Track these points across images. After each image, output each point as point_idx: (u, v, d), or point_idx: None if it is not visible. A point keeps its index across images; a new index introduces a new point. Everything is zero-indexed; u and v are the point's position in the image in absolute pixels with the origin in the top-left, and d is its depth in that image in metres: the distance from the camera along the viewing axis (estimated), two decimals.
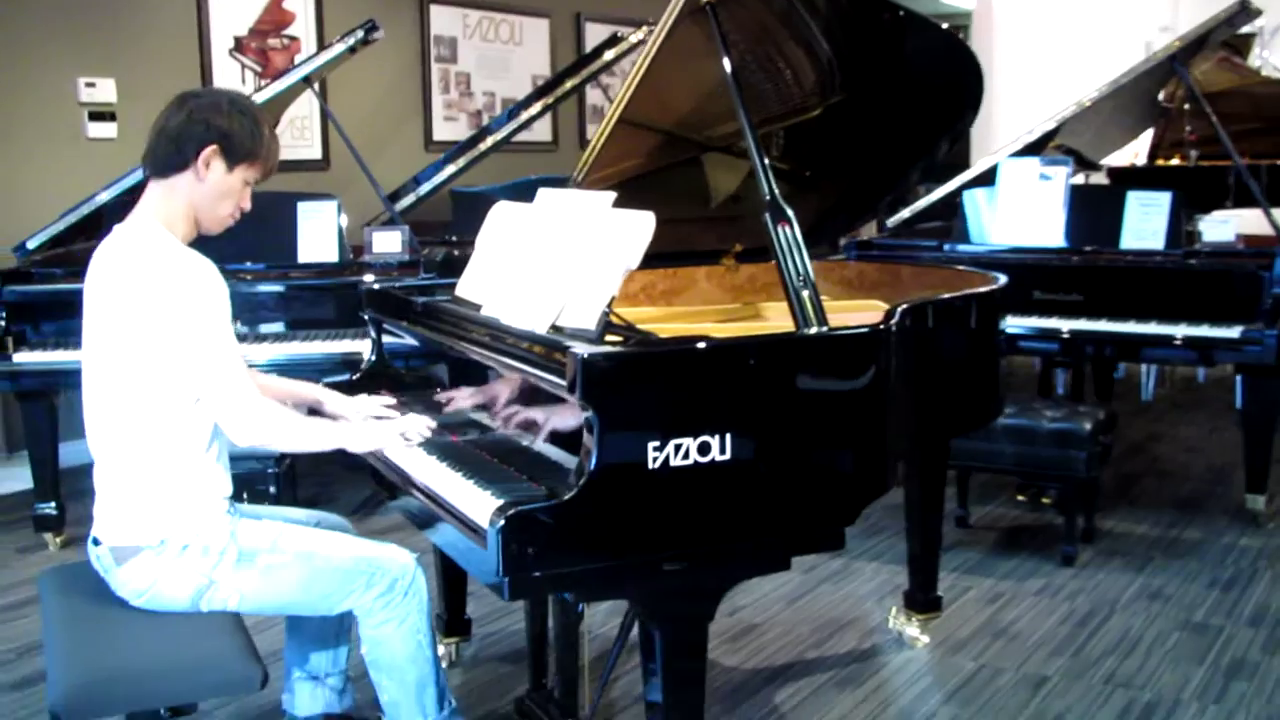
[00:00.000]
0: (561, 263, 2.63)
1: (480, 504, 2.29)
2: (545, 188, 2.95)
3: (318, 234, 4.88)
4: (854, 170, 3.84)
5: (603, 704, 3.19)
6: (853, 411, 2.44)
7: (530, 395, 2.65)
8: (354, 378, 3.26)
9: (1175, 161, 7.97)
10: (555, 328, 2.55)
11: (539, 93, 6.10)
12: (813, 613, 3.96)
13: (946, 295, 3.00)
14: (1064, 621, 3.87)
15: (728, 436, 2.29)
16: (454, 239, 5.59)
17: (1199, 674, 3.48)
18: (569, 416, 2.46)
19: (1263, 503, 4.81)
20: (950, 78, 3.51)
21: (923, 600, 3.71)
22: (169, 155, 2.52)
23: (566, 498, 2.18)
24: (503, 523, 2.13)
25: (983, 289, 3.18)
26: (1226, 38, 6.31)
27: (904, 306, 2.70)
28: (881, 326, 2.50)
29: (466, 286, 3.03)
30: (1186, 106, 7.80)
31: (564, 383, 2.24)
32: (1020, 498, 4.67)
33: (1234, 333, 4.47)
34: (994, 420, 3.40)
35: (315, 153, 6.91)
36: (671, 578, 2.32)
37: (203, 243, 2.60)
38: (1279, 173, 7.91)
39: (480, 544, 2.21)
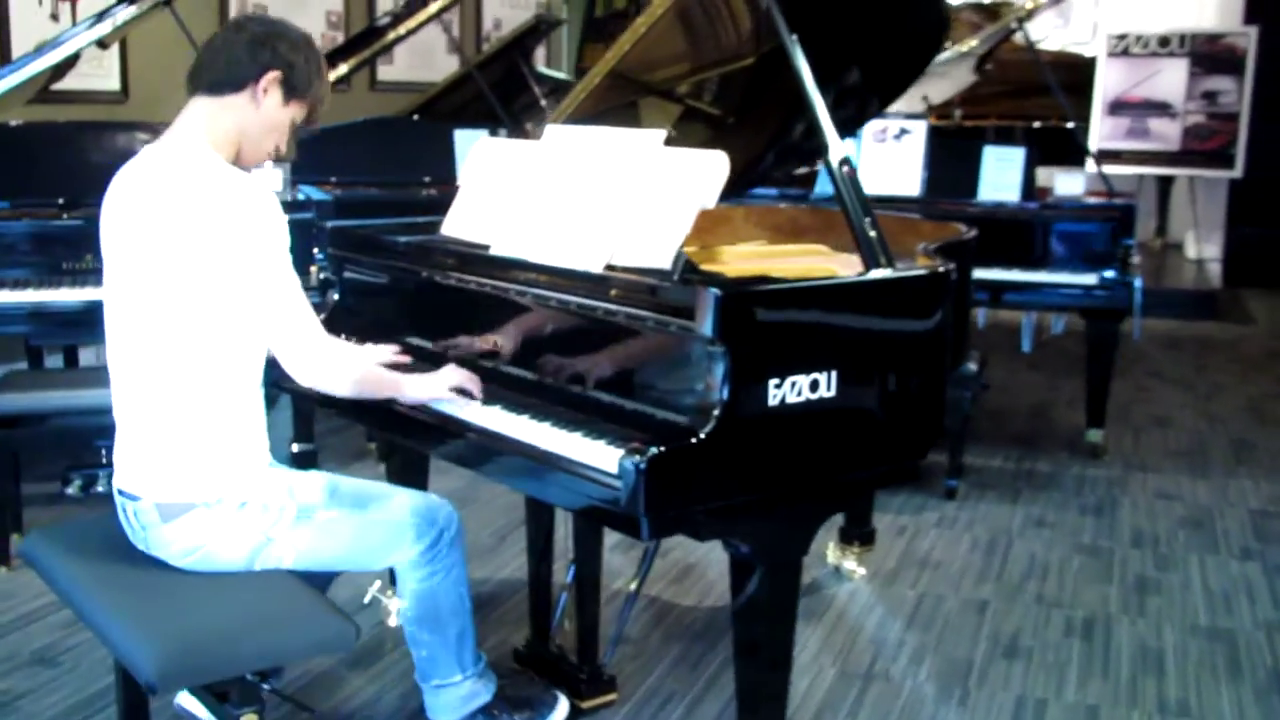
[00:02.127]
0: (613, 201, 2.59)
1: (596, 452, 2.26)
2: (552, 125, 2.90)
3: None
4: (783, 117, 3.92)
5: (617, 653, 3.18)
6: (928, 349, 2.54)
7: (568, 339, 2.58)
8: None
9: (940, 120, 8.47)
10: (610, 267, 2.52)
11: None
12: None
13: (956, 239, 3.13)
14: (973, 550, 4.12)
15: (834, 373, 2.34)
16: None
17: (1113, 592, 3.79)
18: (614, 359, 2.44)
19: (1101, 436, 5.23)
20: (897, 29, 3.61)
21: (858, 534, 3.87)
22: (230, 71, 2.37)
23: (703, 435, 2.18)
24: (645, 465, 2.11)
25: (968, 235, 3.33)
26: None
27: (937, 248, 2.81)
28: (942, 269, 2.59)
29: (465, 227, 2.94)
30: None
31: (682, 322, 2.25)
32: None
33: (1090, 279, 4.83)
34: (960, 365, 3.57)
35: (113, 83, 6.43)
36: (781, 513, 2.36)
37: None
38: (1037, 132, 8.55)
39: (609, 489, 2.18)
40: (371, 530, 2.48)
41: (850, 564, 3.86)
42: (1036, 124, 8.52)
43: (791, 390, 2.29)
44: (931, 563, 3.99)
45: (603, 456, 2.25)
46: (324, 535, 2.44)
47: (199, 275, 2.27)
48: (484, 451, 2.51)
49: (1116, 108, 9.53)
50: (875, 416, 2.44)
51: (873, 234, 2.59)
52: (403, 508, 2.52)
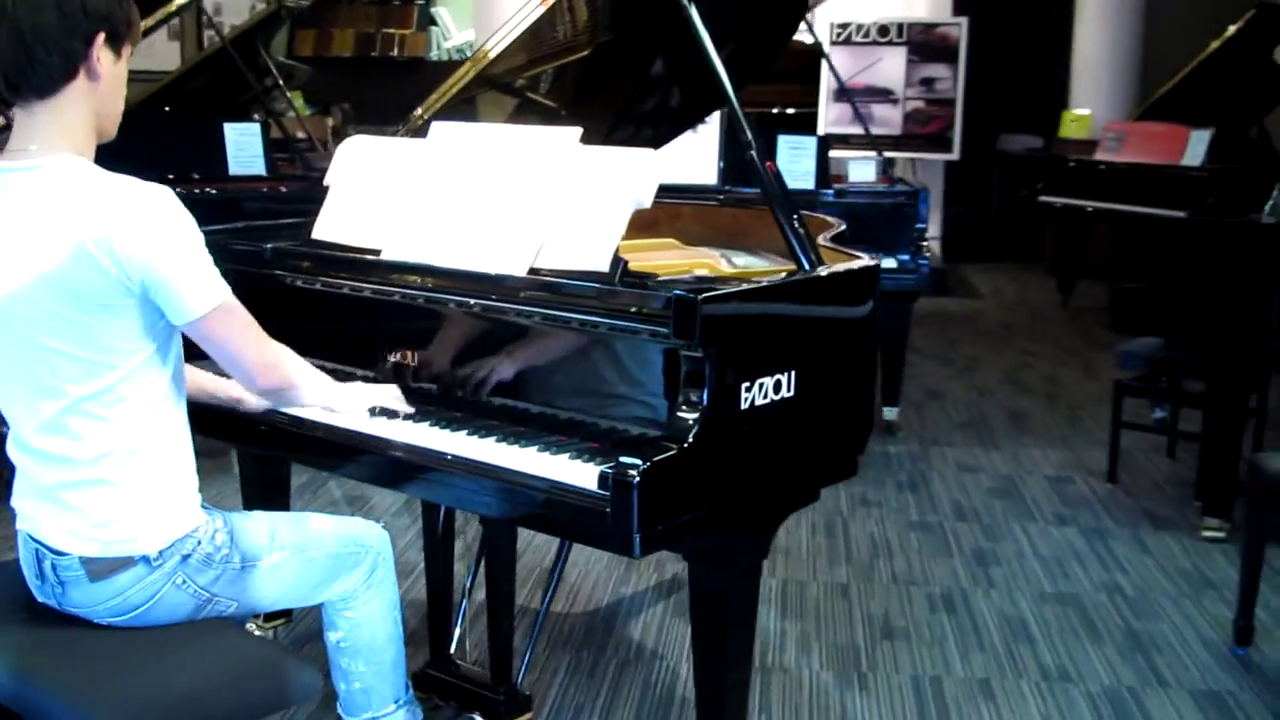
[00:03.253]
0: (535, 201, 2.47)
1: (569, 469, 2.15)
2: (438, 122, 2.75)
3: None
4: (618, 108, 3.87)
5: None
6: (867, 340, 2.54)
7: (482, 347, 2.46)
8: None
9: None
10: (534, 271, 2.42)
11: None
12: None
13: (841, 232, 3.14)
14: (814, 533, 4.19)
15: (793, 372, 2.31)
16: None
17: (959, 566, 3.93)
18: (562, 369, 2.34)
19: (897, 414, 5.43)
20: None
21: None
22: (50, 64, 1.98)
23: (689, 443, 2.11)
24: (640, 478, 2.03)
25: (841, 228, 3.36)
26: None
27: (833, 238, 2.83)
28: (873, 261, 2.60)
29: (346, 231, 2.75)
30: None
31: (655, 328, 2.17)
32: None
33: (891, 263, 5.00)
34: None
35: None
36: (753, 516, 2.33)
37: None
38: (775, 118, 8.78)
39: (587, 506, 2.08)
40: (313, 568, 2.28)
41: None
42: (775, 110, 8.78)
43: (759, 392, 2.24)
44: (780, 548, 4.02)
45: (576, 473, 2.14)
46: (268, 581, 2.22)
47: (118, 299, 1.98)
48: (419, 472, 2.35)
49: (841, 94, 9.92)
50: (827, 411, 2.43)
51: (800, 230, 2.56)
52: (340, 539, 2.32)
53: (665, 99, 3.89)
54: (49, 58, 1.98)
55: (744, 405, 2.22)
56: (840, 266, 2.52)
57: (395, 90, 10.83)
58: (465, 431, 2.34)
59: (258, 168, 5.43)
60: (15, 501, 2.15)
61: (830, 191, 5.14)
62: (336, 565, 2.30)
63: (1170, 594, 3.73)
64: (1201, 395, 4.49)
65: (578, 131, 2.54)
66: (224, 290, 2.06)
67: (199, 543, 2.13)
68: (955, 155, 9.78)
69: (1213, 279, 4.04)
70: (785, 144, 5.21)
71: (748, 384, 2.22)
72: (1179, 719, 3.01)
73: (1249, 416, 4.31)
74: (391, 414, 2.41)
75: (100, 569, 2.06)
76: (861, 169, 5.23)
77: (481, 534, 2.87)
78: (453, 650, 2.95)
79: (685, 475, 2.11)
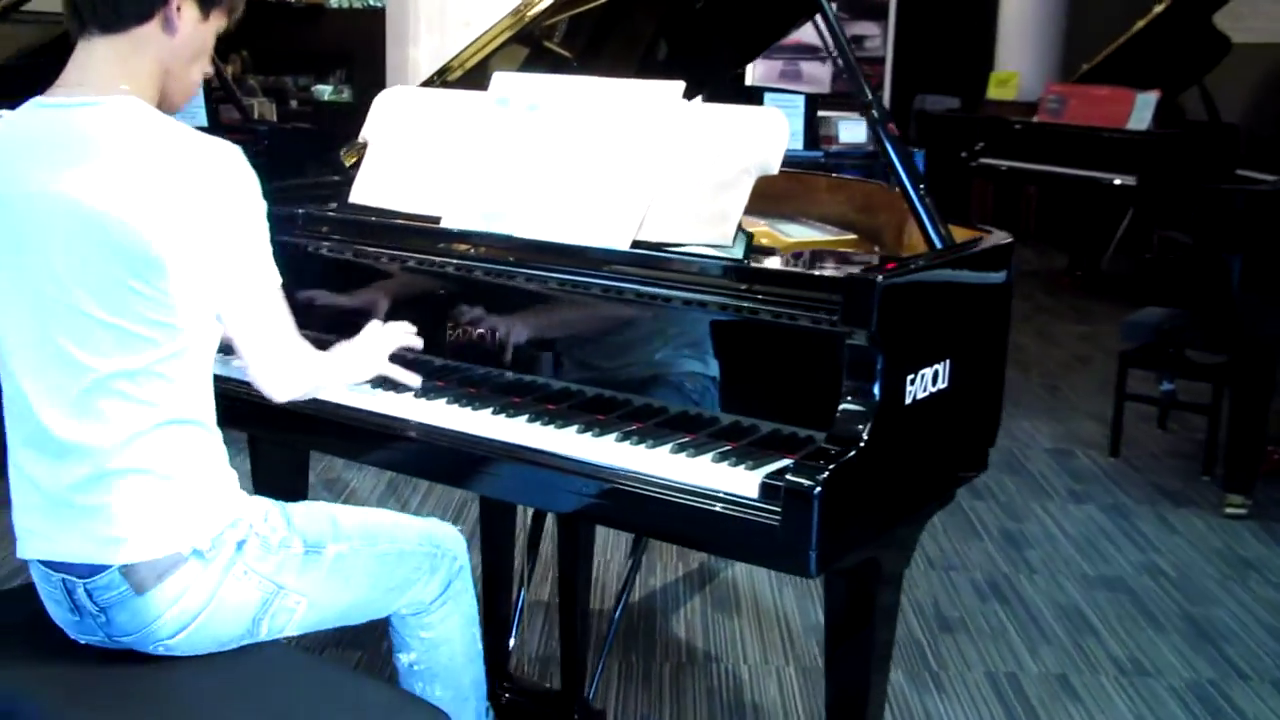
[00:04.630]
0: (639, 165, 2.19)
1: (719, 475, 1.88)
2: (501, 73, 2.44)
3: None
4: (634, 60, 3.60)
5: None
6: (1005, 326, 2.33)
7: (641, 340, 2.16)
8: None
9: None
10: (637, 244, 2.14)
11: None
12: None
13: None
14: None
15: (948, 362, 2.08)
16: None
17: (992, 549, 3.77)
18: (714, 363, 2.07)
19: None
20: None
21: None
22: (126, 1, 1.72)
23: (864, 444, 1.86)
24: (821, 487, 1.77)
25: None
26: None
27: None
28: (1008, 237, 2.37)
29: (394, 195, 2.43)
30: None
31: (817, 314, 1.91)
32: None
33: None
34: None
35: None
36: (910, 518, 2.11)
37: None
38: None
39: (754, 517, 1.82)
40: (386, 567, 1.98)
41: None
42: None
43: (921, 383, 2.01)
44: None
45: (729, 480, 1.88)
46: (337, 577, 1.91)
47: (158, 265, 1.67)
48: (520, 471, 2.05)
49: (768, 51, 9.71)
50: (974, 402, 2.22)
51: (930, 201, 2.32)
52: (415, 536, 2.02)
53: (697, 44, 3.60)
54: None
55: (909, 399, 1.98)
56: (987, 242, 2.28)
57: (293, 37, 10.35)
58: (575, 428, 2.05)
59: (200, 119, 5.00)
60: (21, 520, 1.81)
61: (820, 153, 4.92)
62: (413, 570, 2.01)
63: (1214, 576, 3.61)
64: (1210, 368, 4.39)
65: (679, 86, 2.26)
66: (276, 278, 1.79)
67: (251, 526, 1.84)
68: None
69: (1256, 249, 3.90)
70: (772, 103, 4.97)
71: (912, 375, 1.98)
72: (1270, 711, 2.87)
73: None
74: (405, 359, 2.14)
75: (146, 577, 1.75)
76: (851, 129, 5.02)
77: (557, 533, 2.58)
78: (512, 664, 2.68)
79: (860, 481, 1.86)
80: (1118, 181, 7.15)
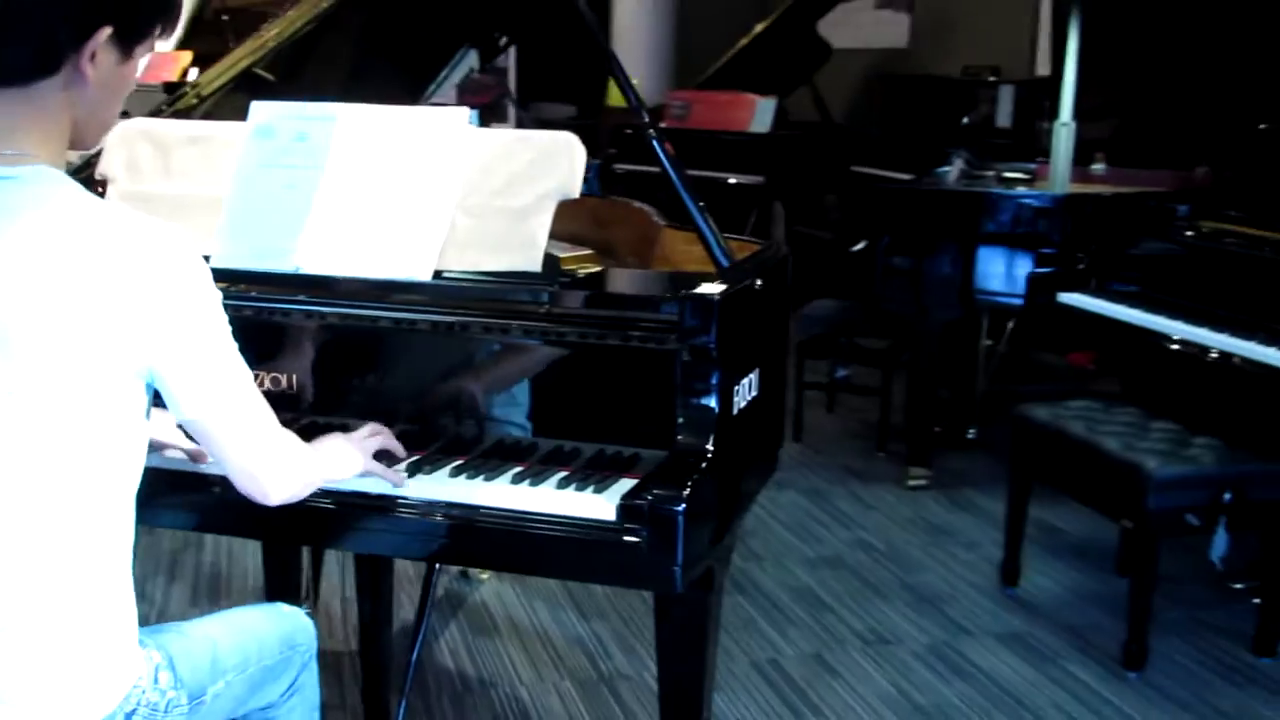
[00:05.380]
0: (430, 194, 2.16)
1: (577, 501, 1.89)
2: (260, 102, 2.35)
3: None
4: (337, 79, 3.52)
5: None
6: (786, 335, 2.45)
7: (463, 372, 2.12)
8: None
9: None
10: (440, 274, 2.13)
11: None
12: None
13: None
14: None
15: (758, 370, 2.18)
16: None
17: None
18: (539, 387, 2.08)
19: None
20: None
21: None
22: (15, 50, 1.43)
23: (710, 457, 1.92)
24: (684, 505, 1.83)
25: None
26: None
27: None
28: (786, 249, 2.48)
29: None
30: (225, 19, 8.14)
31: (651, 334, 1.96)
32: None
33: None
34: None
35: None
36: (736, 522, 2.18)
37: None
38: None
39: (613, 542, 1.85)
40: (254, 686, 1.81)
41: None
42: None
43: (741, 394, 2.09)
44: None
45: (587, 505, 1.89)
46: (212, 714, 1.76)
47: (102, 382, 1.46)
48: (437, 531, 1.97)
49: None
50: (774, 408, 2.32)
51: (710, 220, 2.38)
52: (277, 644, 1.85)
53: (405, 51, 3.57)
54: (17, 40, 1.43)
55: (735, 409, 2.05)
56: (772, 253, 2.38)
57: None
58: (464, 474, 1.98)
59: None
60: None
61: None
62: (269, 675, 1.85)
63: (916, 544, 3.92)
64: (878, 352, 4.75)
65: (465, 111, 2.24)
66: (247, 375, 1.60)
67: (144, 692, 1.62)
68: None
69: (914, 241, 4.25)
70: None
71: (737, 385, 2.06)
72: (1000, 663, 3.15)
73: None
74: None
75: None
76: None
77: (356, 581, 2.49)
78: None
79: (709, 493, 1.93)
80: (732, 180, 7.49)
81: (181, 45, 8.65)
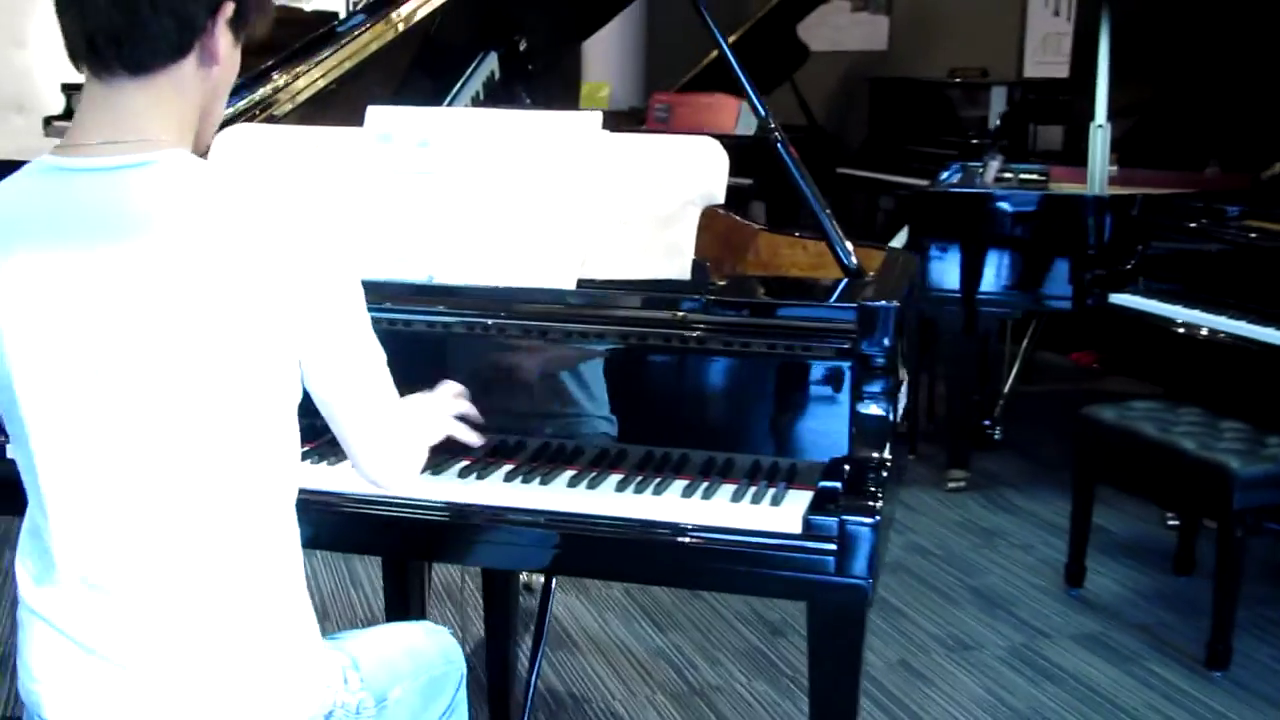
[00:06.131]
0: (562, 202, 2.11)
1: (758, 514, 1.85)
2: (377, 106, 2.29)
3: None
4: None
5: None
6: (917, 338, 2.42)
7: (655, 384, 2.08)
8: None
9: None
10: (584, 283, 2.08)
11: None
12: None
13: None
14: None
15: (908, 377, 2.15)
16: None
17: None
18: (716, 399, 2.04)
19: None
20: None
21: None
22: (156, 31, 1.38)
23: (888, 465, 1.90)
24: (878, 518, 1.80)
25: None
26: None
27: None
28: None
29: None
30: None
31: (827, 343, 1.93)
32: None
33: None
34: None
35: None
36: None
37: None
38: None
39: (803, 551, 1.82)
40: (425, 699, 1.75)
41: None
42: None
43: (901, 400, 2.06)
44: None
45: (770, 519, 1.84)
46: None
47: (262, 361, 1.43)
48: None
49: None
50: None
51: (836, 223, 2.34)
52: (433, 652, 1.79)
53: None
54: (157, 18, 1.38)
55: (896, 416, 2.02)
56: (910, 258, 2.36)
57: None
58: (630, 488, 1.93)
59: None
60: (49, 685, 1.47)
61: None
62: (436, 688, 1.79)
63: (970, 546, 3.92)
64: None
65: (597, 115, 2.19)
66: (382, 357, 1.57)
67: (338, 693, 1.58)
68: None
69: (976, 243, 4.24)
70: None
71: (899, 390, 2.03)
72: (1083, 664, 3.15)
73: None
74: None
75: None
76: None
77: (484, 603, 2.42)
78: None
79: (889, 504, 1.90)
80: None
81: None
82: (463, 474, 1.96)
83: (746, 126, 7.88)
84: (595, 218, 2.09)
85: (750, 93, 2.42)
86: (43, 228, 1.38)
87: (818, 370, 1.95)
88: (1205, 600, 3.31)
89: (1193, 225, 3.79)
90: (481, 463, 1.99)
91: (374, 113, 2.25)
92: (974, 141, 6.56)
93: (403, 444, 1.63)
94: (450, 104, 4.57)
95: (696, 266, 2.07)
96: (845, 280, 2.13)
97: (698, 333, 1.99)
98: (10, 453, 1.51)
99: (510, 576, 2.57)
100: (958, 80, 7.21)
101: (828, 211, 2.28)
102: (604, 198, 2.10)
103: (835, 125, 8.78)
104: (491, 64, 4.95)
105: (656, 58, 10.13)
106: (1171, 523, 3.91)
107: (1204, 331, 3.63)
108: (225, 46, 1.46)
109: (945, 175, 4.89)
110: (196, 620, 1.44)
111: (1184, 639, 3.26)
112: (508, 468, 1.99)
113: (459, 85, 4.72)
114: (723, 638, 3.25)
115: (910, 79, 7.74)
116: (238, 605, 1.46)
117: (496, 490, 1.93)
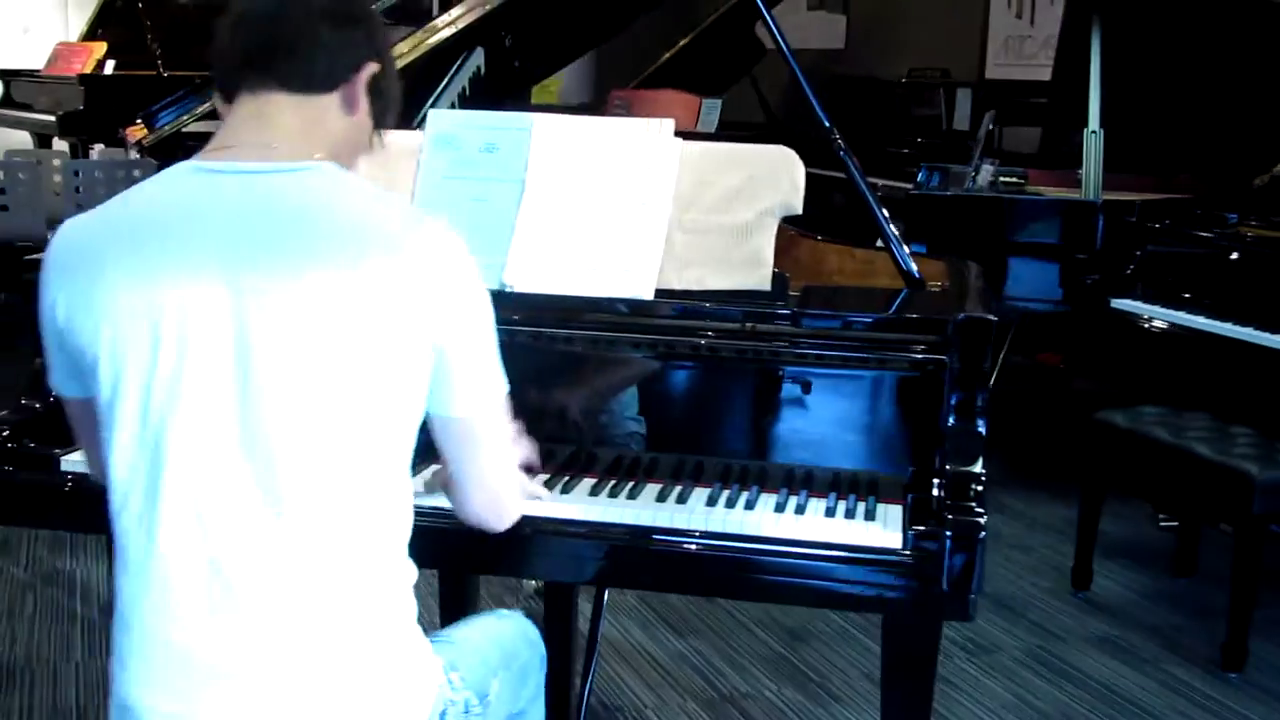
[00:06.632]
0: (636, 210, 2.08)
1: (858, 530, 1.83)
2: (436, 110, 2.25)
3: None
4: None
5: None
6: None
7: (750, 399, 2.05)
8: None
9: None
10: (662, 292, 2.06)
11: None
12: None
13: None
14: None
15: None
16: None
17: None
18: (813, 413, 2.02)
19: None
20: None
21: None
22: (319, 60, 1.47)
23: (983, 478, 1.89)
24: (985, 534, 1.79)
25: None
26: None
27: None
28: None
29: None
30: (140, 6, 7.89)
31: (933, 355, 1.92)
32: None
33: None
34: None
35: None
36: None
37: None
38: None
39: (906, 567, 1.80)
40: (516, 684, 1.76)
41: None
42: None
43: (986, 413, 2.06)
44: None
45: (870, 535, 1.83)
46: (495, 716, 1.69)
47: (401, 374, 1.42)
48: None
49: None
50: None
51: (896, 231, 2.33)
52: (516, 637, 1.80)
53: None
54: (318, 53, 1.46)
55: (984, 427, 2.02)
56: (979, 270, 2.35)
57: None
58: (720, 503, 1.91)
59: None
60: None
61: None
62: (525, 674, 1.80)
63: None
64: None
65: (670, 123, 2.16)
66: (504, 383, 1.55)
67: (446, 694, 1.58)
68: None
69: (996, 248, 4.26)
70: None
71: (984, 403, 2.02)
72: (1101, 666, 3.18)
73: None
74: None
75: None
76: None
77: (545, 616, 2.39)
78: None
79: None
80: None
81: (91, 37, 8.30)
82: (547, 486, 1.92)
83: (708, 124, 7.89)
84: (669, 227, 2.06)
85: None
86: (199, 222, 1.39)
87: (907, 383, 1.94)
88: (1211, 602, 3.37)
89: (1191, 232, 3.84)
90: (563, 475, 1.96)
91: (434, 115, 2.20)
92: (935, 143, 6.60)
93: (516, 485, 1.64)
94: (436, 101, 4.53)
95: (777, 278, 2.05)
96: (906, 290, 2.16)
97: (787, 345, 1.97)
98: (68, 464, 1.49)
99: (570, 591, 2.52)
100: (920, 80, 7.25)
101: (887, 216, 2.28)
102: (677, 206, 2.07)
103: (793, 125, 8.80)
104: (478, 60, 4.91)
105: (605, 53, 10.05)
106: (1165, 524, 3.96)
107: (1207, 337, 3.67)
108: (364, 104, 1.52)
109: (923, 178, 4.89)
110: (315, 626, 1.42)
111: (1195, 640, 3.31)
112: (590, 482, 1.96)
113: (445, 81, 4.68)
114: (744, 644, 3.24)
115: (866, 78, 7.78)
116: (357, 610, 1.45)
117: (582, 506, 1.89)
